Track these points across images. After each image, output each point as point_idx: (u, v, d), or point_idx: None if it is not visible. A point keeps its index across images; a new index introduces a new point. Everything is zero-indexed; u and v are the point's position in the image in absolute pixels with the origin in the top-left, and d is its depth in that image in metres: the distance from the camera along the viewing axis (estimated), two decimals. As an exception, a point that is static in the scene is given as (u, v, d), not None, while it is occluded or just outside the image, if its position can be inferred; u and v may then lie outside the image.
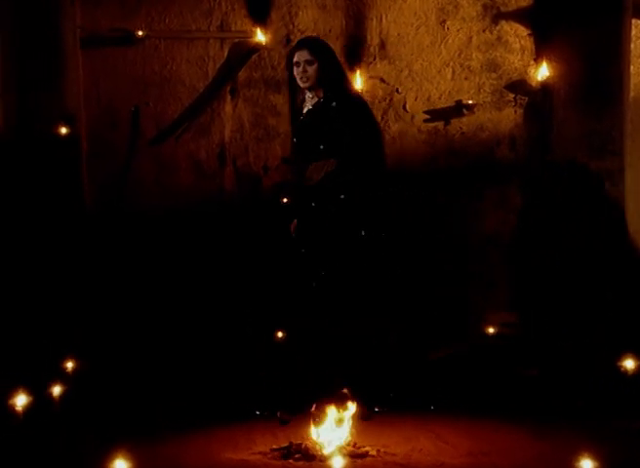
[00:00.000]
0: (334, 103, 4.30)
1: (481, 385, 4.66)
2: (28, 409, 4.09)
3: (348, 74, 4.57)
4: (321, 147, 4.32)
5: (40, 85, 5.04)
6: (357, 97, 4.45)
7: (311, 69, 4.31)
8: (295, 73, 4.38)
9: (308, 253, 4.36)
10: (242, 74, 5.25)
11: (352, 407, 3.84)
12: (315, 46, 4.40)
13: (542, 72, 5.25)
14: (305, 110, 4.43)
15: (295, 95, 4.47)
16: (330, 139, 4.31)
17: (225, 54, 5.21)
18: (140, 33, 5.16)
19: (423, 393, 4.45)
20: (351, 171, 4.29)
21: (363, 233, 4.31)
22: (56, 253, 5.04)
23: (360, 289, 4.32)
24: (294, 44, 4.52)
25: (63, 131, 5.05)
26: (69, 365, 4.66)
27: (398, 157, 5.20)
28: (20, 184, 5.03)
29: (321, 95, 4.36)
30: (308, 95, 4.40)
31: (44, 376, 4.43)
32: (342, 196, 4.29)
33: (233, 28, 5.21)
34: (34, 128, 5.02)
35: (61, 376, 4.50)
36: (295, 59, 4.36)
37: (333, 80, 4.34)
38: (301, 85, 4.37)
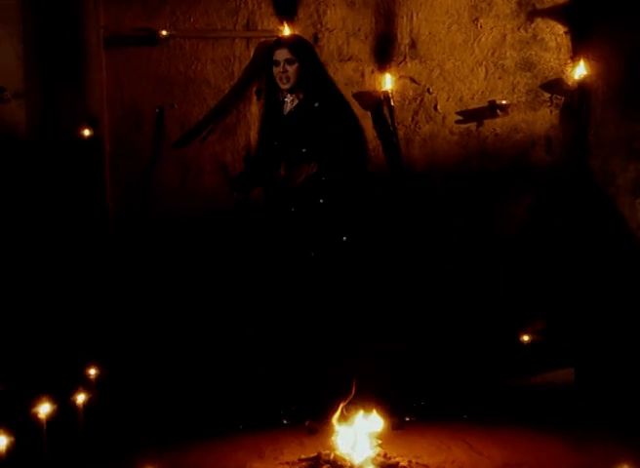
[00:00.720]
0: (316, 104, 4.21)
1: (512, 393, 4.56)
2: (52, 417, 4.01)
3: (329, 74, 4.52)
4: (303, 150, 4.22)
5: (63, 86, 4.97)
6: (339, 98, 4.35)
7: (292, 69, 4.21)
8: (274, 73, 4.27)
9: (293, 257, 4.26)
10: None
11: (381, 416, 3.72)
12: (295, 44, 4.29)
13: (580, 71, 5.14)
14: (286, 112, 4.31)
15: (271, 97, 4.36)
16: (312, 142, 4.21)
17: (252, 53, 5.11)
18: (165, 33, 5.06)
19: (455, 401, 4.35)
20: (333, 174, 4.19)
21: (345, 238, 4.21)
22: (78, 258, 4.98)
23: (355, 290, 4.22)
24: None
25: (87, 132, 4.98)
26: (92, 372, 4.57)
27: (429, 159, 5.16)
28: (42, 186, 4.97)
29: (301, 97, 4.26)
30: (288, 97, 4.30)
31: (68, 384, 4.36)
32: (322, 200, 4.19)
33: (260, 27, 5.10)
34: (57, 129, 4.96)
35: (85, 383, 4.44)
36: (274, 58, 4.25)
37: (314, 81, 4.24)
38: (281, 86, 4.27)
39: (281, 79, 4.25)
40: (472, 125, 5.18)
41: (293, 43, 4.29)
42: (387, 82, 5.08)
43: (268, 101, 4.38)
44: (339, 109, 4.26)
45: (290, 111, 4.30)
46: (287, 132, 4.29)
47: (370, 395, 3.93)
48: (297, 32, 5.05)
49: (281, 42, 4.32)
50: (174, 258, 5.11)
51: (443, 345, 4.81)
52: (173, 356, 4.90)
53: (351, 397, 3.79)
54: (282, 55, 4.24)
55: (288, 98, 4.31)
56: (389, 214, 4.91)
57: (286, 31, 5.07)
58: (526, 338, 5.07)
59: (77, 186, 4.98)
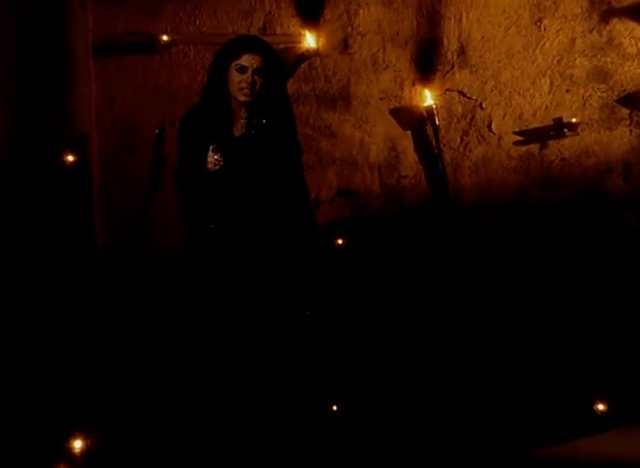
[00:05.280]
0: (264, 120, 3.79)
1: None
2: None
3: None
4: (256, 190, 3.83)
5: (43, 102, 4.56)
6: (292, 130, 3.95)
7: (259, 82, 3.76)
8: (230, 79, 3.78)
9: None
10: (289, 87, 4.64)
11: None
12: (270, 53, 3.84)
13: None
14: (241, 133, 3.85)
15: (215, 108, 3.86)
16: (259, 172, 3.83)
17: None
18: (166, 38, 4.72)
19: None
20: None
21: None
22: (60, 305, 4.57)
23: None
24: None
25: (71, 157, 4.59)
26: (77, 444, 4.10)
27: (481, 188, 4.94)
28: (16, 224, 4.56)
29: (255, 118, 3.84)
30: (242, 112, 3.84)
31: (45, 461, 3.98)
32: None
33: (278, 31, 4.79)
34: (36, 154, 4.56)
35: (67, 459, 4.04)
36: (237, 63, 3.78)
37: (276, 102, 3.83)
38: (240, 97, 3.79)
39: (242, 89, 3.78)
40: (534, 147, 4.92)
41: (267, 50, 3.85)
42: (431, 96, 4.83)
43: (212, 114, 3.89)
44: (285, 138, 3.91)
45: (244, 132, 3.85)
46: (238, 158, 3.83)
47: None
48: (323, 36, 4.77)
49: (250, 44, 3.85)
50: (175, 299, 4.68)
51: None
52: (179, 422, 4.45)
53: None
54: (252, 61, 3.78)
55: (242, 115, 3.86)
56: (432, 254, 4.72)
57: (308, 36, 4.76)
58: (601, 407, 4.49)
59: (59, 221, 4.60)
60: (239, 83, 3.74)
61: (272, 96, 3.82)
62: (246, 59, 3.75)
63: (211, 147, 3.79)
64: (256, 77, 3.76)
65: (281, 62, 3.97)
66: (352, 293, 4.26)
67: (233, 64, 3.75)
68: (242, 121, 3.85)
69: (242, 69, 3.75)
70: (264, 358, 3.86)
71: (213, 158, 3.78)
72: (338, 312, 4.07)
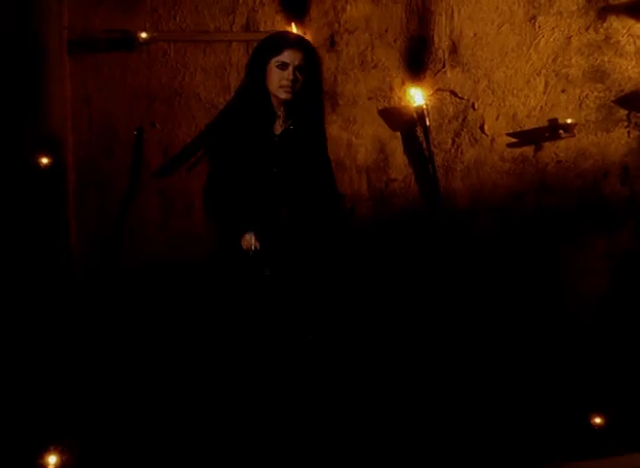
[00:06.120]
0: (291, 127, 3.79)
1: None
2: None
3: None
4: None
5: (13, 101, 4.45)
6: (322, 128, 3.96)
7: (301, 79, 3.75)
8: (270, 76, 3.76)
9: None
10: None
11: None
12: (310, 50, 3.83)
13: None
14: (279, 132, 3.83)
15: (256, 107, 3.81)
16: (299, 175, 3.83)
17: None
18: (144, 35, 4.63)
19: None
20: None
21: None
22: (33, 319, 4.45)
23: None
24: (283, 42, 3.88)
25: (44, 160, 4.47)
26: (51, 460, 4.06)
27: (473, 192, 4.84)
28: None
29: (293, 116, 3.83)
30: (281, 110, 3.82)
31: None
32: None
33: (262, 28, 4.67)
34: (4, 156, 4.44)
35: None
36: (278, 59, 3.74)
37: (314, 99, 3.83)
38: (282, 95, 3.77)
39: (283, 87, 3.75)
40: (528, 149, 4.84)
41: (308, 47, 3.84)
42: (422, 96, 4.75)
43: (251, 112, 3.83)
44: (319, 140, 3.91)
45: (284, 131, 3.82)
46: (279, 158, 3.80)
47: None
48: (309, 33, 4.65)
49: (292, 41, 3.84)
50: (154, 315, 4.66)
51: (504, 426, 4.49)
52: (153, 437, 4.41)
53: None
54: (294, 58, 3.77)
55: (281, 114, 3.84)
56: (423, 261, 4.62)
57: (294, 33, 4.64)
58: (598, 421, 4.54)
59: (32, 229, 4.47)
60: (280, 80, 3.72)
61: (312, 94, 3.78)
62: (287, 56, 3.74)
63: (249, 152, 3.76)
64: (297, 74, 3.72)
65: (320, 60, 3.93)
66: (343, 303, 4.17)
67: (273, 61, 3.72)
68: (281, 120, 3.81)
69: (283, 66, 3.73)
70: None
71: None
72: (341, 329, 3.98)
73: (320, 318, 3.76)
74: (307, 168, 3.81)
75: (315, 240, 3.77)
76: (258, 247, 3.68)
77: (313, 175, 3.81)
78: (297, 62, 3.75)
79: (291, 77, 3.73)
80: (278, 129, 3.82)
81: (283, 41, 3.80)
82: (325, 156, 3.90)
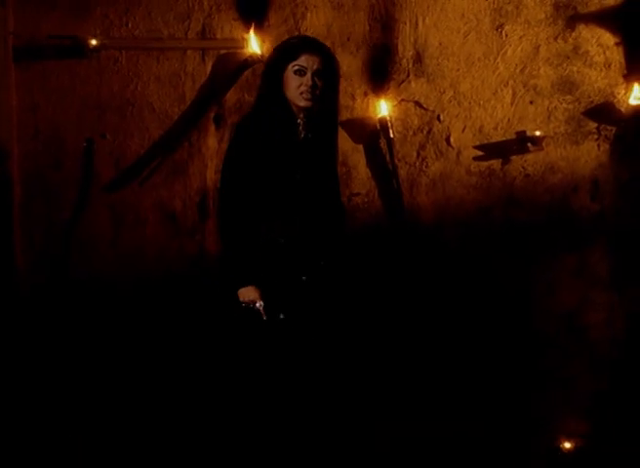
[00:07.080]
0: (310, 135, 3.74)
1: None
2: None
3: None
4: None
5: None
6: (334, 137, 3.95)
7: (320, 84, 3.69)
8: (288, 82, 3.69)
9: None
10: (231, 96, 4.71)
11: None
12: (329, 54, 3.78)
13: (636, 94, 4.73)
14: (301, 139, 3.78)
15: (277, 112, 3.77)
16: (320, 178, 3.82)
17: (208, 69, 4.68)
18: (95, 42, 4.55)
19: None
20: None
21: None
22: None
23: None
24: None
25: None
26: None
27: (439, 207, 4.79)
28: None
29: (310, 121, 3.79)
30: (301, 117, 3.77)
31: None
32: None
33: (219, 35, 4.63)
34: None
35: None
36: (296, 63, 3.67)
37: (333, 106, 3.81)
38: (299, 103, 3.71)
39: (302, 93, 3.68)
40: (496, 163, 4.79)
41: (326, 51, 3.78)
42: (385, 107, 4.69)
43: (272, 123, 3.76)
44: (331, 150, 3.89)
45: (304, 138, 3.77)
46: (302, 165, 3.76)
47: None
48: (268, 41, 4.56)
49: (309, 44, 3.77)
50: (105, 334, 4.56)
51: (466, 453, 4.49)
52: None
53: None
54: (312, 62, 3.70)
55: (301, 121, 3.78)
56: (387, 278, 4.55)
57: (252, 41, 4.59)
58: (568, 446, 4.59)
59: None
60: (298, 87, 3.67)
61: (329, 101, 3.73)
62: (304, 60, 3.70)
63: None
64: (316, 79, 3.66)
65: (339, 64, 3.88)
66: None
67: (290, 66, 3.68)
68: (301, 127, 3.75)
69: (300, 71, 3.69)
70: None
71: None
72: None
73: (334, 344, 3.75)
74: (322, 177, 3.78)
75: (327, 263, 3.77)
76: (262, 305, 3.61)
77: (326, 185, 3.78)
78: (315, 67, 3.67)
79: (310, 83, 3.66)
80: (300, 136, 3.75)
81: (299, 45, 3.72)
82: (335, 167, 3.88)
